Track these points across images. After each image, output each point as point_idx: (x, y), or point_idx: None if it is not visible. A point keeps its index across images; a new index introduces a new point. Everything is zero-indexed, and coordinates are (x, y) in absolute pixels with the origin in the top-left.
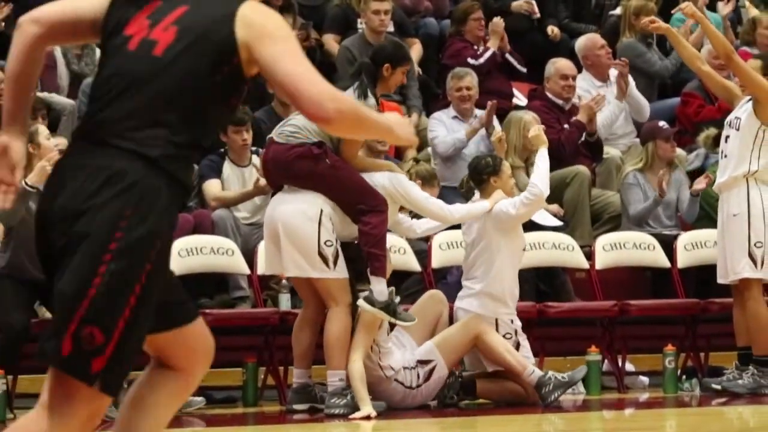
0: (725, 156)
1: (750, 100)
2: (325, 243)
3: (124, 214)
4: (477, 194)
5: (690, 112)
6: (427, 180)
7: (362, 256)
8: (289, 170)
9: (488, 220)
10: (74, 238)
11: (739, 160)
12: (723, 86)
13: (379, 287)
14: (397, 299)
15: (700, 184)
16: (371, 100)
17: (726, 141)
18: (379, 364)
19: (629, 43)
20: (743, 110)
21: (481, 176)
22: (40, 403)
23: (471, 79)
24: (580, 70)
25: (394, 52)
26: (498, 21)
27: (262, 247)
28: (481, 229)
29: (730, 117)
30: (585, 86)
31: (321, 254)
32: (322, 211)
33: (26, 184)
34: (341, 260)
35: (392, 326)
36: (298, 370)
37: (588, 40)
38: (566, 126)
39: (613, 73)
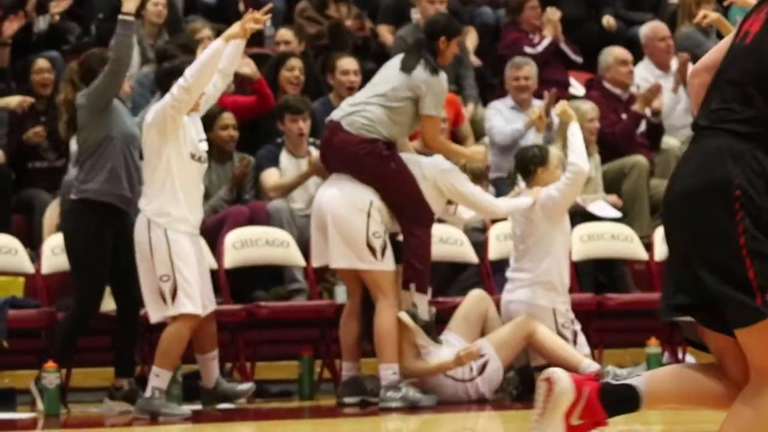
0: None
1: None
2: (373, 234)
3: (735, 182)
4: (522, 184)
5: None
6: (477, 177)
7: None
8: (352, 162)
9: (536, 210)
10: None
11: None
12: None
13: (424, 306)
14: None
15: None
16: (443, 75)
17: None
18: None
19: (688, 32)
20: None
21: (527, 167)
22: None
23: (530, 69)
24: (640, 59)
25: (448, 24)
26: (553, 10)
27: None
28: (530, 220)
29: None
30: (645, 75)
31: (369, 245)
32: (371, 202)
33: (124, 13)
34: (389, 252)
35: (428, 332)
36: (347, 363)
37: (650, 30)
38: (623, 116)
39: (674, 63)
